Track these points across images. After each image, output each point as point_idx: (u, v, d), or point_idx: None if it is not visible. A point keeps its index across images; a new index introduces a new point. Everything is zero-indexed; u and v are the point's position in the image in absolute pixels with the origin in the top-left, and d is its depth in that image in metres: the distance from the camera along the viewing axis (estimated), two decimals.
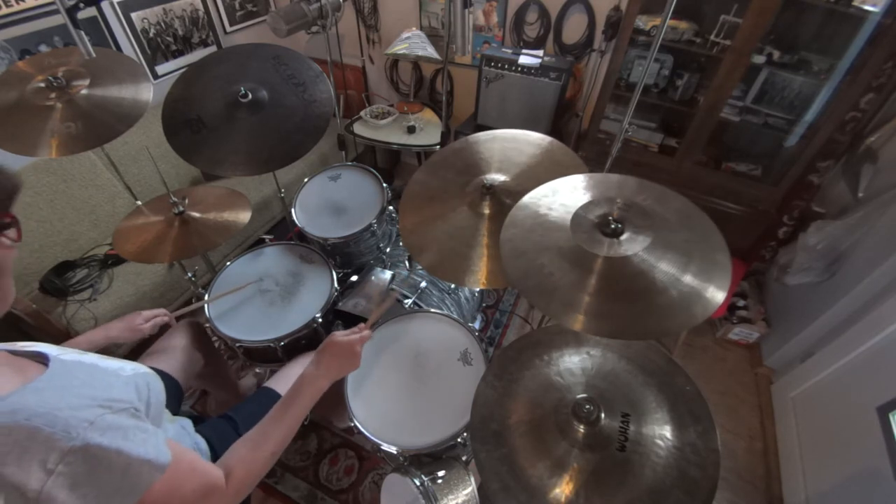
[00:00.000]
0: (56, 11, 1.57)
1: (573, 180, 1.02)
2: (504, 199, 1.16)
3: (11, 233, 0.58)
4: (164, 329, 1.24)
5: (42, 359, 0.61)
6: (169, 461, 0.59)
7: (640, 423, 0.84)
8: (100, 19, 1.99)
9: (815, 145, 1.73)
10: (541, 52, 2.13)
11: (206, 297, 1.34)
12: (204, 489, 0.65)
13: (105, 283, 1.80)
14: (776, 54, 1.69)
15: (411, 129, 2.49)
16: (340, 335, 0.93)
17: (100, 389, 0.58)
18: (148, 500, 0.56)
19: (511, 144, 1.28)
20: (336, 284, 1.40)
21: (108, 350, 1.13)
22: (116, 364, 0.69)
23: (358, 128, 2.56)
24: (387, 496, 1.07)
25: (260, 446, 0.78)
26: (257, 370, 1.83)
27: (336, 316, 1.44)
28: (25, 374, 0.56)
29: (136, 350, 1.17)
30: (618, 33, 1.89)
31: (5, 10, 1.69)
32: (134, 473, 0.54)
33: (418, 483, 0.95)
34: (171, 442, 0.62)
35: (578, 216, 0.92)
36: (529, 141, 1.27)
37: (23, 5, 1.73)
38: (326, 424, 1.77)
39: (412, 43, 2.20)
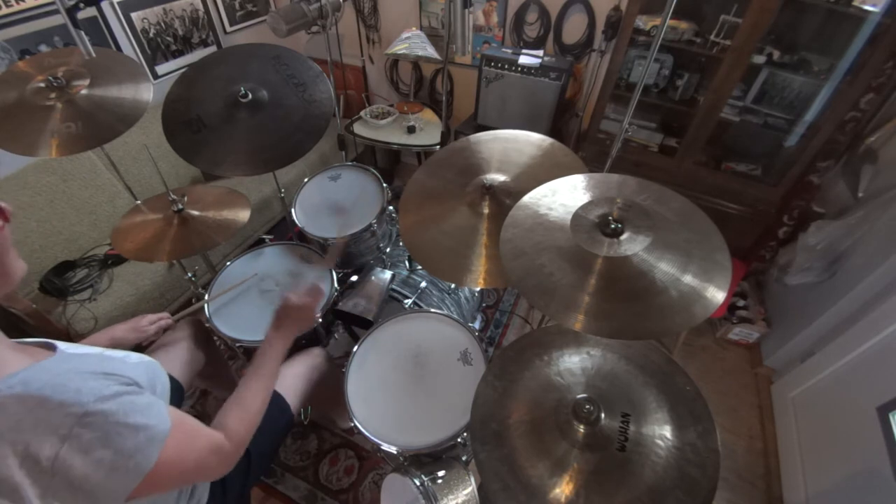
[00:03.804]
0: (56, 11, 1.56)
1: (573, 180, 1.02)
2: (504, 199, 1.16)
3: None
4: (165, 332, 1.24)
5: (49, 347, 0.63)
6: (170, 426, 0.61)
7: (640, 423, 0.84)
8: (100, 19, 1.99)
9: (815, 145, 1.73)
10: (541, 52, 2.13)
11: (206, 297, 1.34)
12: (211, 446, 0.69)
13: (105, 283, 1.80)
14: (776, 54, 1.69)
15: (411, 129, 2.49)
16: (295, 297, 0.99)
17: (108, 369, 0.60)
18: (162, 462, 0.58)
19: (511, 145, 1.28)
20: (336, 284, 1.40)
21: None
22: (122, 353, 0.72)
23: (358, 128, 2.56)
24: (387, 496, 1.07)
25: (248, 405, 0.81)
26: None
27: (336, 316, 1.44)
28: (35, 356, 0.58)
29: (137, 350, 1.18)
30: (618, 33, 1.89)
31: (5, 10, 1.69)
32: (144, 438, 0.56)
33: (418, 483, 0.95)
34: (170, 408, 0.65)
35: (578, 216, 0.92)
36: (530, 141, 1.28)
37: (23, 5, 1.73)
38: (327, 424, 1.77)
39: (412, 43, 2.20)
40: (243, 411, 0.80)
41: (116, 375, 0.59)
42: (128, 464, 0.54)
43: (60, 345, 0.64)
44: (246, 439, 0.77)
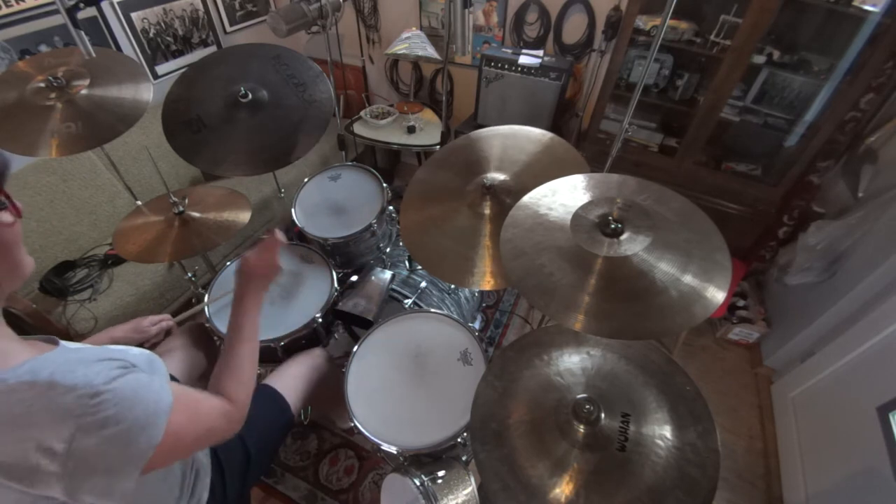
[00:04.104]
0: (56, 11, 1.56)
1: (573, 180, 1.02)
2: (504, 198, 1.16)
3: (5, 212, 0.61)
4: (167, 335, 1.24)
5: (51, 341, 0.65)
6: (173, 398, 0.63)
7: (640, 423, 0.84)
8: (100, 19, 1.99)
9: (815, 145, 1.73)
10: (541, 52, 2.13)
11: (206, 299, 1.34)
12: (216, 410, 0.73)
13: (105, 283, 1.80)
14: (776, 54, 1.69)
15: (411, 129, 2.49)
16: (252, 254, 0.98)
17: (110, 355, 0.62)
18: (172, 432, 0.60)
19: (512, 141, 1.28)
20: (336, 284, 1.40)
21: None
22: (123, 347, 0.74)
23: (358, 128, 2.56)
24: (387, 496, 1.07)
25: (240, 368, 0.83)
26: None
27: (336, 316, 1.44)
28: (39, 349, 0.60)
29: None
30: (618, 33, 1.89)
31: (5, 10, 1.69)
32: (153, 412, 0.59)
33: (418, 483, 0.95)
34: (172, 383, 0.67)
35: (578, 216, 0.92)
36: (530, 137, 1.27)
37: (23, 5, 1.73)
38: (327, 424, 1.77)
39: (412, 43, 2.20)
40: (237, 376, 0.81)
41: (118, 360, 0.61)
42: (139, 438, 0.56)
43: (61, 342, 0.66)
44: (247, 401, 0.80)
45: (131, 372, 0.60)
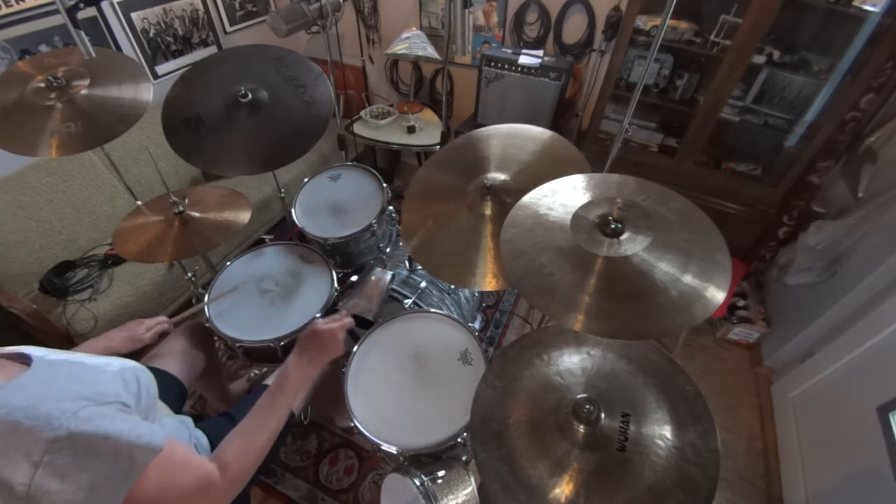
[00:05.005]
0: (56, 11, 1.56)
1: (573, 180, 1.02)
2: (505, 198, 1.16)
3: None
4: (163, 336, 1.23)
5: (25, 359, 0.60)
6: (162, 444, 0.59)
7: (640, 423, 0.84)
8: (100, 19, 1.99)
9: (815, 145, 1.73)
10: (541, 52, 2.13)
11: (206, 298, 1.34)
12: (200, 482, 0.65)
13: (105, 283, 1.80)
14: (776, 54, 1.69)
15: (411, 129, 2.49)
16: (322, 323, 0.97)
17: (85, 385, 0.58)
18: (143, 490, 0.55)
19: (512, 140, 1.28)
20: (336, 284, 1.40)
21: None
22: (103, 360, 0.69)
23: (358, 128, 2.56)
24: (387, 496, 1.07)
25: (252, 437, 0.78)
26: (253, 373, 1.84)
27: None
28: (7, 373, 0.56)
29: (136, 352, 1.17)
30: (618, 33, 1.89)
31: (5, 10, 1.69)
32: (125, 457, 0.54)
33: (418, 483, 0.95)
34: (168, 437, 0.62)
35: (578, 216, 0.92)
36: (530, 136, 1.27)
37: (23, 5, 1.73)
38: (327, 424, 1.77)
39: (412, 43, 2.20)
40: (245, 445, 0.76)
41: (98, 395, 0.57)
42: (105, 487, 0.52)
43: (38, 353, 0.61)
44: (241, 476, 0.73)
45: (105, 416, 0.55)
